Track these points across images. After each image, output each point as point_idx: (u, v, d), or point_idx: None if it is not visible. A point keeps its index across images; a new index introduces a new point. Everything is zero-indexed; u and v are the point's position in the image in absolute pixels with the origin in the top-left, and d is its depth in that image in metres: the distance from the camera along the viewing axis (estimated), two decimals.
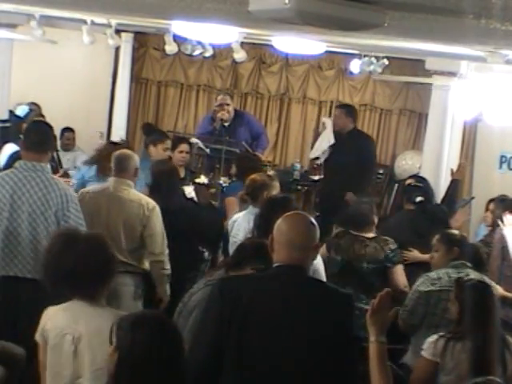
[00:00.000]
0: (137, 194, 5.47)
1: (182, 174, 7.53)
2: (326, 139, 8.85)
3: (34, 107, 9.23)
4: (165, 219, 5.49)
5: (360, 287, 5.40)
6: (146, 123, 10.38)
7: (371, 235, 5.68)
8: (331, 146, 8.81)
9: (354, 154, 8.40)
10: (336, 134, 8.78)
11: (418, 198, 6.83)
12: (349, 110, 8.97)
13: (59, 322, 3.44)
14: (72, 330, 3.39)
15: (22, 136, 7.20)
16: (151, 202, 5.43)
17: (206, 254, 5.73)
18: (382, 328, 3.21)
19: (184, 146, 7.43)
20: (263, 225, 4.62)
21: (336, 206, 7.40)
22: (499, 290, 5.38)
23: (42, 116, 8.70)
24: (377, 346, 3.17)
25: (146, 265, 5.47)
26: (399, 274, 5.56)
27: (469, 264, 5.01)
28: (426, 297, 4.93)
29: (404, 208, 7.00)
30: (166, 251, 5.41)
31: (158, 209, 5.42)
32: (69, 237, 3.69)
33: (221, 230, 6.07)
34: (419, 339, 4.82)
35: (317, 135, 9.15)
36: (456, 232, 5.42)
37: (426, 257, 5.77)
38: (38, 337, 3.49)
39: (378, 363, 3.15)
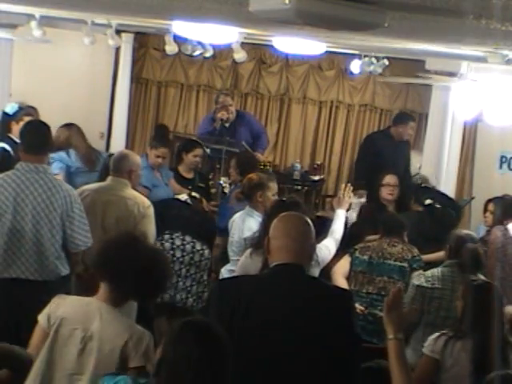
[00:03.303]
0: (132, 193, 5.44)
1: (191, 175, 7.56)
2: None
3: (31, 110, 9.17)
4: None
5: (383, 285, 5.54)
6: (159, 124, 10.43)
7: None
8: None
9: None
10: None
11: (428, 201, 6.88)
12: None
13: (72, 313, 3.37)
14: (83, 327, 3.32)
15: (9, 134, 7.26)
16: (146, 201, 5.42)
17: (207, 252, 5.72)
18: (399, 325, 3.21)
19: (199, 151, 7.44)
20: (268, 227, 4.62)
21: None
22: None
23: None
24: (395, 342, 3.17)
25: None
26: None
27: (462, 263, 5.08)
28: (421, 292, 5.03)
29: (411, 209, 7.01)
30: None
31: (152, 208, 5.40)
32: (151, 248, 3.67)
33: (214, 228, 6.11)
34: (418, 337, 4.87)
35: None
36: (459, 231, 5.45)
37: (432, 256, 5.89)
38: (42, 318, 3.41)
39: (398, 360, 3.15)
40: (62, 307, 3.40)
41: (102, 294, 3.40)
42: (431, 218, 6.52)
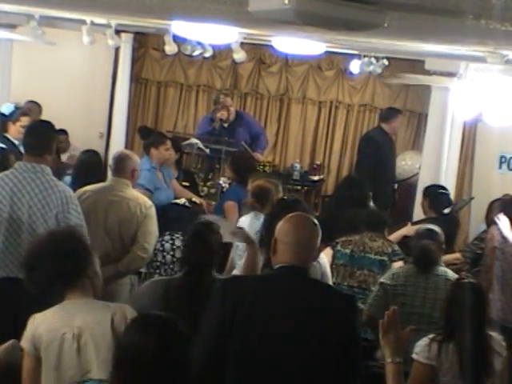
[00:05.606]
0: (134, 193, 5.44)
1: (175, 173, 7.56)
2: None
3: (33, 105, 9.16)
4: None
5: (363, 278, 5.63)
6: (142, 126, 10.30)
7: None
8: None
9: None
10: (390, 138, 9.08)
11: (447, 210, 6.89)
12: None
13: (54, 323, 3.38)
14: (69, 328, 3.34)
15: (5, 134, 7.28)
16: (148, 202, 5.41)
17: None
18: (396, 348, 3.17)
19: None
20: (270, 226, 4.62)
21: None
22: None
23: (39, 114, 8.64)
24: (393, 366, 3.14)
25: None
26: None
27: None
28: (384, 289, 5.13)
29: (426, 214, 6.98)
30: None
31: (154, 209, 5.39)
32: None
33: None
34: None
35: None
36: (421, 228, 5.64)
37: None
38: (25, 343, 3.39)
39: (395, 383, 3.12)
40: (40, 325, 3.39)
41: (67, 294, 3.47)
42: (447, 226, 6.40)
